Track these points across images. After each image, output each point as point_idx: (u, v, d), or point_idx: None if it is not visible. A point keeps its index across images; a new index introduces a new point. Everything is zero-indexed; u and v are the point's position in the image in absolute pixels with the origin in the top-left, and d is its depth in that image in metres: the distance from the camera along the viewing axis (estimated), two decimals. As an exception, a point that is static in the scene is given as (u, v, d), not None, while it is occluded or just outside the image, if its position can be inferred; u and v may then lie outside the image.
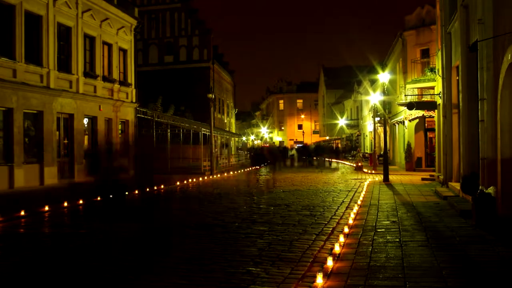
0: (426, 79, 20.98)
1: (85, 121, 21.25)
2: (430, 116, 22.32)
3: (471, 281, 5.13)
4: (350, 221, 8.68)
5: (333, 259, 5.79)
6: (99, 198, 9.74)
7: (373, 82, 37.59)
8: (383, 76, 21.78)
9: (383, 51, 75.25)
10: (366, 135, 45.86)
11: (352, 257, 6.08)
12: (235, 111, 55.82)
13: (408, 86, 23.15)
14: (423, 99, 22.72)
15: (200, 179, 20.87)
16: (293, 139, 77.25)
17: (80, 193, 12.30)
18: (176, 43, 42.01)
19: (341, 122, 55.88)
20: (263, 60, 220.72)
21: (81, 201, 11.96)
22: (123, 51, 24.67)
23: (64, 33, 19.78)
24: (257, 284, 5.07)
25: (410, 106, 20.04)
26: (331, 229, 8.23)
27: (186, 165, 29.31)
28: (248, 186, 17.56)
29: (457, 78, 13.71)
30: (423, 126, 25.04)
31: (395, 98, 28.72)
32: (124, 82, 24.37)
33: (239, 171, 27.16)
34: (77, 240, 7.60)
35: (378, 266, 5.64)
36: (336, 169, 29.96)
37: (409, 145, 25.33)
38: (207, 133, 28.62)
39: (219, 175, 23.66)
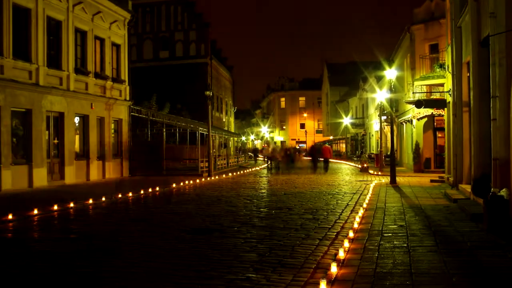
0: (435, 75, 20.99)
1: (76, 120, 21.26)
2: (440, 115, 22.33)
3: (483, 289, 5.13)
4: (355, 225, 8.68)
5: (337, 265, 5.79)
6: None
7: (379, 79, 37.60)
8: (390, 73, 21.78)
9: (390, 46, 75.14)
10: (372, 135, 45.87)
11: (358, 263, 6.08)
12: (234, 109, 55.81)
13: (416, 83, 23.15)
14: (432, 96, 22.70)
15: (198, 181, 20.88)
16: (295, 139, 77.28)
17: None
18: (172, 37, 42.01)
19: (346, 121, 55.84)
20: (264, 56, 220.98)
21: (72, 204, 11.97)
22: (116, 46, 24.68)
23: (54, 27, 19.78)
24: (257, 291, 5.07)
25: (419, 104, 20.04)
26: (335, 233, 8.23)
27: (183, 166, 29.31)
28: (248, 188, 17.55)
29: (468, 74, 13.72)
30: (432, 125, 25.04)
31: (402, 96, 28.72)
32: (117, 79, 24.38)
33: (238, 173, 27.16)
34: (68, 245, 7.60)
35: (385, 273, 5.64)
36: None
37: (417, 145, 25.33)
38: (205, 133, 28.63)
39: (217, 177, 23.67)
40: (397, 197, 13.65)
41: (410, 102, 23.87)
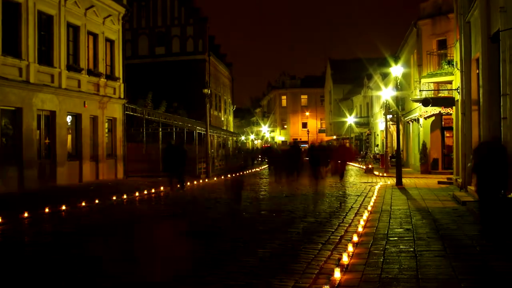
0: (443, 72, 20.99)
1: (68, 119, 21.24)
2: (448, 114, 22.33)
3: (493, 295, 5.14)
4: (360, 229, 8.69)
5: (341, 271, 5.80)
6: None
7: (384, 76, 37.63)
8: (396, 70, 21.76)
9: (396, 42, 75.25)
10: (377, 134, 45.90)
11: (362, 268, 6.09)
12: (233, 108, 55.83)
13: (423, 80, 23.15)
14: (439, 94, 22.72)
15: (195, 182, 20.90)
16: (296, 139, 77.25)
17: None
18: (168, 33, 42.00)
19: (350, 120, 55.85)
20: (264, 52, 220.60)
21: (63, 207, 11.97)
22: (110, 42, 24.67)
23: (45, 22, 19.76)
24: (257, 297, 5.08)
25: (426, 102, 20.05)
26: (338, 237, 8.24)
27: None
28: (247, 190, 17.55)
29: (477, 71, 13.72)
30: (439, 124, 25.05)
31: (409, 94, 28.74)
32: (111, 76, 24.37)
33: (237, 174, 27.12)
34: (59, 250, 7.61)
35: (390, 278, 5.64)
36: None
37: (424, 145, 25.33)
38: (203, 132, 28.62)
39: (215, 178, 23.65)
40: (403, 200, 13.66)
41: (417, 100, 23.89)
